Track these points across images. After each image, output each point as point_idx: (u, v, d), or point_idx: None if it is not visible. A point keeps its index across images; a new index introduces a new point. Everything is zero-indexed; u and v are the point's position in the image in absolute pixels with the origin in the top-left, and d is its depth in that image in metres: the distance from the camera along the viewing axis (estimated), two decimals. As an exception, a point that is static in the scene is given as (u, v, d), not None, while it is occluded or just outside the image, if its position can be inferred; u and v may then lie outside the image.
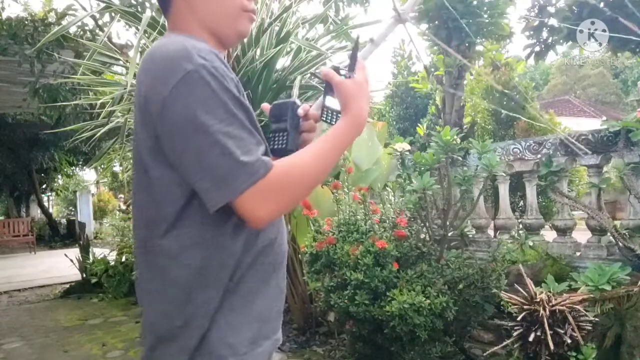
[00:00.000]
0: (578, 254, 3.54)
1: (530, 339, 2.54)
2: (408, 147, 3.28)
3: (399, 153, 3.27)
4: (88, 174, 17.38)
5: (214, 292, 0.90)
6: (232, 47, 1.07)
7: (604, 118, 18.29)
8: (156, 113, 0.85)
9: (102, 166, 6.48)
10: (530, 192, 3.99)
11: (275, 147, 1.01)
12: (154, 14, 4.39)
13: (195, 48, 0.87)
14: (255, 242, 0.94)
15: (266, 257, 0.97)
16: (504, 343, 2.75)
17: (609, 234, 3.27)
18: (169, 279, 0.90)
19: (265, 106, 1.08)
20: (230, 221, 0.89)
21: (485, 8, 5.01)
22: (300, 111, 1.04)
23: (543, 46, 5.04)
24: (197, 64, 0.84)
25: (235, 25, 1.00)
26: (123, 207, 11.59)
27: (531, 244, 3.53)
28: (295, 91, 3.37)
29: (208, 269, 0.89)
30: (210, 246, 0.89)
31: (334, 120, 1.00)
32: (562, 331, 2.52)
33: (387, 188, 3.90)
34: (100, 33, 5.21)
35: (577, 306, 2.61)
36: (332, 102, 1.00)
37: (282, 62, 4.89)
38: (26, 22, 4.84)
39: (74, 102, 5.15)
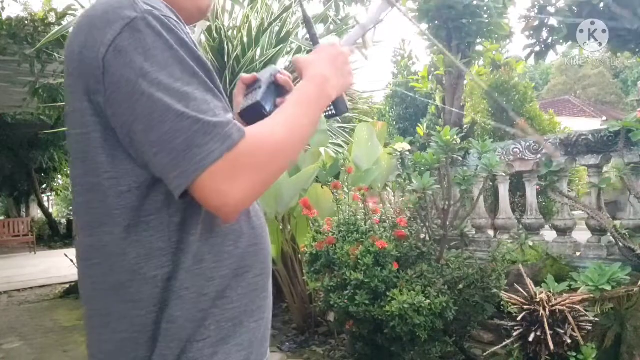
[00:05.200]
0: (578, 254, 3.54)
1: (530, 339, 2.54)
2: (408, 147, 3.29)
3: (399, 153, 3.27)
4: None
5: (189, 312, 0.71)
6: (188, 25, 0.91)
7: (604, 118, 18.32)
8: (95, 79, 0.67)
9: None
10: (530, 192, 3.99)
11: (246, 105, 0.84)
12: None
13: None
14: (238, 245, 0.77)
15: (252, 268, 0.79)
16: (504, 343, 2.75)
17: (609, 234, 3.27)
18: (128, 297, 0.70)
19: (245, 76, 0.91)
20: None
21: (485, 8, 5.01)
22: (279, 76, 0.87)
23: (543, 46, 5.05)
24: (143, 10, 0.67)
25: (198, 0, 0.87)
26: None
27: (531, 244, 3.53)
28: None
29: (180, 283, 0.70)
30: (182, 253, 0.71)
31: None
32: (562, 331, 2.52)
33: (387, 188, 3.90)
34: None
35: (577, 306, 2.61)
36: None
37: (282, 62, 4.89)
38: (26, 22, 4.84)
39: (74, 102, 5.15)
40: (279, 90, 0.86)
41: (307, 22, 0.97)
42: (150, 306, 0.70)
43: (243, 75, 0.91)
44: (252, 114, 0.82)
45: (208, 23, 4.31)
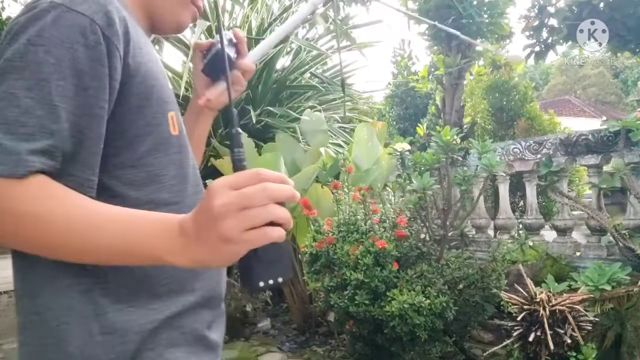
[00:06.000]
0: (578, 254, 3.54)
1: (530, 339, 2.54)
2: (408, 147, 3.29)
3: (399, 153, 3.27)
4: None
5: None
6: (164, 35, 0.85)
7: (604, 118, 18.31)
8: None
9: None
10: (530, 192, 3.99)
11: (209, 56, 0.84)
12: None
13: None
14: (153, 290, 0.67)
15: (182, 321, 0.70)
16: (504, 343, 2.75)
17: (609, 234, 3.27)
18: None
19: (200, 42, 0.88)
20: None
21: (485, 8, 5.01)
22: (237, 32, 0.86)
23: (543, 46, 5.05)
24: (56, 4, 0.60)
25: (180, 14, 0.83)
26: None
27: (531, 244, 3.53)
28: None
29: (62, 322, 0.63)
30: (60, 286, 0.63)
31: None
32: (562, 331, 2.52)
33: (387, 188, 3.90)
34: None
35: (577, 306, 2.61)
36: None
37: (282, 62, 4.90)
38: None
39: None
40: (236, 49, 0.86)
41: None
42: None
43: (198, 41, 0.88)
44: (217, 65, 0.82)
45: (208, 23, 4.31)
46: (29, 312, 0.67)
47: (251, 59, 0.90)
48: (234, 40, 0.85)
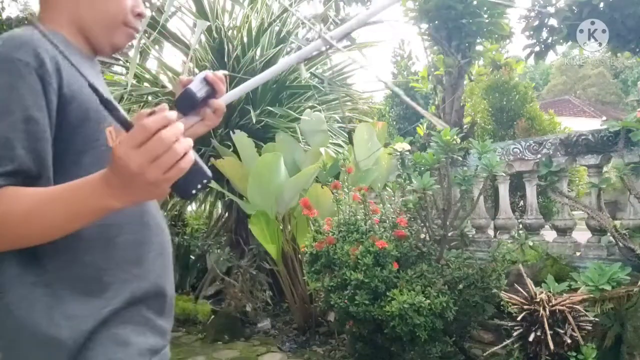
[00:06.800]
0: (578, 254, 3.54)
1: (530, 339, 2.54)
2: (408, 147, 3.28)
3: (399, 153, 3.26)
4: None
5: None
6: (105, 57, 1.03)
7: (604, 118, 18.29)
8: None
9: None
10: (530, 192, 3.99)
11: (179, 93, 0.92)
12: (154, 14, 4.39)
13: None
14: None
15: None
16: (504, 343, 2.75)
17: (609, 234, 3.27)
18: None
19: (183, 78, 0.96)
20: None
21: (485, 8, 5.01)
22: (209, 74, 0.93)
23: (543, 46, 5.05)
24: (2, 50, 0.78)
25: (112, 36, 0.93)
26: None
27: (531, 244, 3.53)
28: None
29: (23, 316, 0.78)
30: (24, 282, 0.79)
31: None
32: (562, 331, 2.52)
33: (387, 188, 3.90)
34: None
35: (577, 306, 2.61)
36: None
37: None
38: (26, 22, 4.84)
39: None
40: (211, 89, 0.94)
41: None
42: None
43: (181, 77, 0.97)
44: (186, 102, 0.91)
45: (208, 23, 4.31)
46: None
47: (225, 99, 0.98)
48: (208, 79, 0.93)
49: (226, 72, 0.94)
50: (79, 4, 0.89)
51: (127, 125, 0.65)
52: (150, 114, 0.63)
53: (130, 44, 0.96)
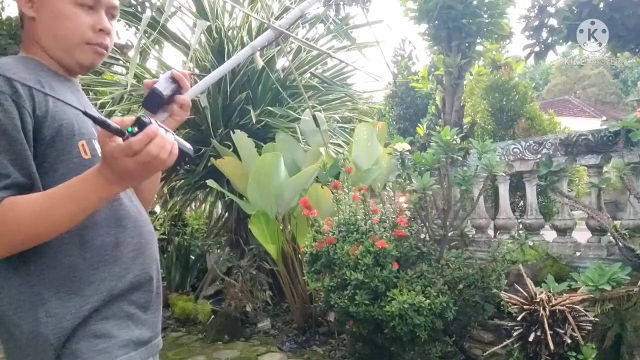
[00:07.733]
0: (578, 254, 3.54)
1: (530, 339, 2.54)
2: (408, 147, 3.28)
3: (399, 153, 3.26)
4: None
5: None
6: (82, 75, 1.11)
7: (604, 118, 18.30)
8: None
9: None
10: (530, 192, 3.99)
11: (145, 95, 1.00)
12: (154, 14, 4.40)
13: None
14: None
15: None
16: (504, 343, 2.75)
17: (609, 234, 3.27)
18: None
19: (147, 81, 1.05)
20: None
21: (485, 8, 5.01)
22: (174, 72, 1.03)
23: (543, 46, 5.05)
24: None
25: (74, 56, 0.99)
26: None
27: (531, 244, 3.53)
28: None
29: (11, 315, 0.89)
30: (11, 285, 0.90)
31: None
32: (562, 331, 2.52)
33: (387, 188, 3.90)
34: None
35: (577, 306, 2.61)
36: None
37: (282, 62, 4.90)
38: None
39: (74, 102, 5.15)
40: (177, 86, 1.02)
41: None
42: None
43: (145, 80, 1.04)
44: (153, 101, 0.99)
45: (208, 23, 4.31)
46: None
47: (189, 94, 1.06)
48: (174, 76, 1.02)
49: (190, 70, 1.00)
50: (41, 31, 0.97)
51: (121, 134, 0.76)
52: (135, 122, 0.76)
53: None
